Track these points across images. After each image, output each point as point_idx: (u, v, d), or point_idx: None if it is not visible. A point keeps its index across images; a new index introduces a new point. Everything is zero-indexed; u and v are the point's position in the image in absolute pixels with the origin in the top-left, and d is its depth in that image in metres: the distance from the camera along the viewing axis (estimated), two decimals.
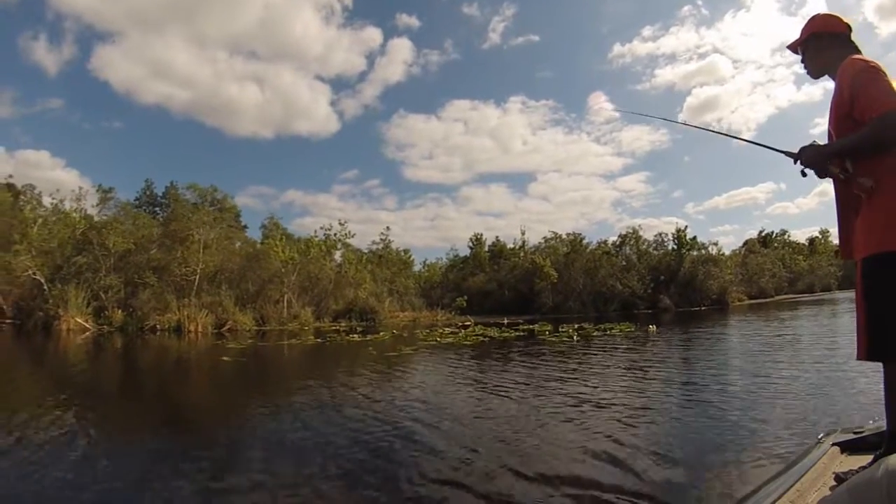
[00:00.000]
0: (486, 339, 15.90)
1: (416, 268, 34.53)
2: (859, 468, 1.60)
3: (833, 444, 2.03)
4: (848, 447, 2.01)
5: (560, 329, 18.02)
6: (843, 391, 6.39)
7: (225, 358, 11.91)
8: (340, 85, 74.81)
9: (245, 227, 28.22)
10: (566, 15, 71.77)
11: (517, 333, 17.41)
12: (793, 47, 2.11)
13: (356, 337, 17.10)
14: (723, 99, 68.06)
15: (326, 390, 8.00)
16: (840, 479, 1.65)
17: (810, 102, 59.48)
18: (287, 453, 4.70)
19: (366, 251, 29.91)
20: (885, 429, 1.80)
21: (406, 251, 33.18)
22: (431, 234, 58.57)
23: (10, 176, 32.99)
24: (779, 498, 1.57)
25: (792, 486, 1.64)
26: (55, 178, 46.94)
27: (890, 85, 1.74)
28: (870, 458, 1.74)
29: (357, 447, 4.82)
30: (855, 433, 2.11)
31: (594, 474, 3.83)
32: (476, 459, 4.32)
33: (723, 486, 3.50)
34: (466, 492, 3.60)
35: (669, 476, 3.73)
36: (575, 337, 15.81)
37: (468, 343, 14.87)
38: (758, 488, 1.78)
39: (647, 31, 74.96)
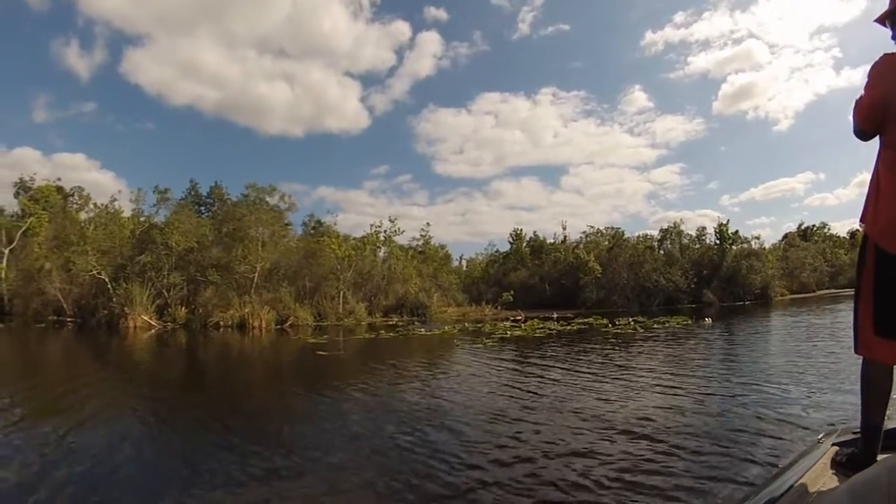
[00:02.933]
0: (553, 331, 16.05)
1: (453, 263, 34.80)
2: (847, 461, 1.66)
3: (833, 444, 2.03)
4: (848, 447, 2.00)
5: (616, 322, 18.10)
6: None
7: (321, 353, 12.17)
8: (370, 80, 74.92)
9: (288, 224, 28.58)
10: (596, 3, 70.36)
11: (578, 326, 17.51)
12: (881, 20, 1.95)
13: (422, 331, 17.37)
14: (759, 86, 64.60)
15: (461, 380, 8.28)
16: (840, 478, 1.68)
17: (851, 88, 55.04)
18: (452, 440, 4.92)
19: (404, 247, 30.16)
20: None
21: (443, 246, 33.49)
22: (462, 228, 58.25)
23: (59, 179, 34.10)
24: (779, 498, 1.58)
25: (792, 486, 1.65)
26: (91, 180, 48.42)
27: (867, 98, 1.81)
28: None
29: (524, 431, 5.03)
30: (855, 433, 2.09)
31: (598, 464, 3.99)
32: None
33: (724, 485, 3.51)
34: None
35: (677, 472, 3.77)
36: (639, 329, 15.97)
37: (539, 336, 15.05)
38: (758, 488, 1.80)
39: (679, 17, 72.46)
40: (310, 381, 8.96)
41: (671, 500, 3.27)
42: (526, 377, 8.14)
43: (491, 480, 3.72)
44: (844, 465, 1.81)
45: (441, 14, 63.28)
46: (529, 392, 6.89)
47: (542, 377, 8.03)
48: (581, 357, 10.36)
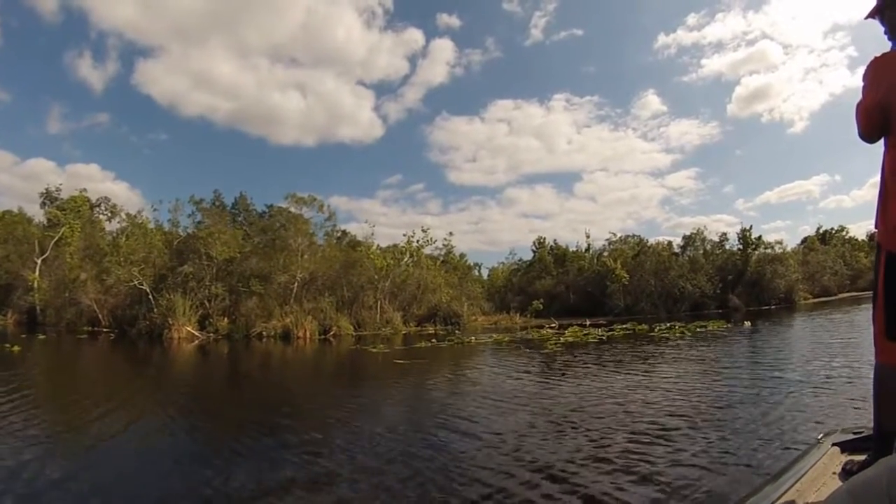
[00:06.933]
0: (603, 337, 16.24)
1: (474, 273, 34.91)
2: (859, 468, 1.65)
3: (833, 444, 2.02)
4: (848, 447, 1.99)
5: (656, 328, 18.28)
6: None
7: (399, 361, 12.29)
8: (383, 89, 75.05)
9: (313, 234, 28.85)
10: (608, 6, 69.50)
11: (623, 332, 17.70)
12: (872, 15, 1.88)
13: (473, 339, 17.53)
14: (774, 87, 64.46)
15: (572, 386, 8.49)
16: (840, 479, 1.70)
17: None
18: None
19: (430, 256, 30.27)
20: None
21: (463, 255, 33.67)
22: (475, 237, 57.89)
23: (84, 189, 34.23)
24: (778, 498, 1.57)
25: (792, 486, 1.64)
26: (106, 191, 48.50)
27: (864, 102, 1.80)
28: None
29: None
30: (855, 433, 2.10)
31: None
32: None
33: (725, 484, 3.61)
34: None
35: (682, 473, 3.92)
36: (686, 333, 16.21)
37: (593, 341, 15.30)
38: (758, 488, 1.80)
39: (691, 20, 72.20)
40: (437, 395, 8.64)
41: None
42: (636, 377, 8.43)
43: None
44: (855, 473, 1.75)
45: (454, 21, 63.54)
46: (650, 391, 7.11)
47: (645, 375, 8.37)
48: (659, 358, 10.73)
